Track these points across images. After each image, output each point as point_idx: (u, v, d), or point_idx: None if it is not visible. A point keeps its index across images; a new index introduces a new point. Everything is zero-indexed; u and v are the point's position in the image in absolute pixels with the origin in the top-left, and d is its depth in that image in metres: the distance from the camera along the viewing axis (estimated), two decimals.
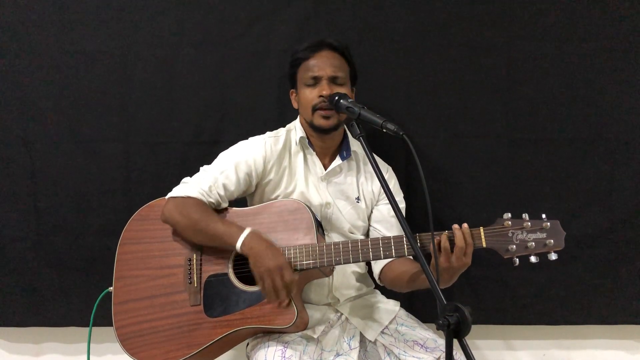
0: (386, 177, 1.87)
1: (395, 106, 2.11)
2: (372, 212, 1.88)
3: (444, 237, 1.49)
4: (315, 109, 1.74)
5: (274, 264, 1.56)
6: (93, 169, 2.14)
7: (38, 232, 2.15)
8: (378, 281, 1.86)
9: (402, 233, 1.78)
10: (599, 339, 2.21)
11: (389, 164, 1.94)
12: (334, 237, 1.81)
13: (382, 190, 1.56)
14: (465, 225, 1.50)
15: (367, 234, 1.89)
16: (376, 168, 1.47)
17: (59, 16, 2.11)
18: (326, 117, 1.73)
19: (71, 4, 2.11)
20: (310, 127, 1.79)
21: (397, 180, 1.94)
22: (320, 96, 1.72)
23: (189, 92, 2.13)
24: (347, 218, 1.81)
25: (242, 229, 1.62)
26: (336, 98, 1.67)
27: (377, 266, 1.83)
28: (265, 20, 2.12)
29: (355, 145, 1.87)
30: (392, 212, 1.79)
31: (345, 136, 1.88)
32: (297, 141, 1.82)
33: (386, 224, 1.85)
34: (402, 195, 1.91)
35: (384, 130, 1.49)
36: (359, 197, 1.84)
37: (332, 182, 1.83)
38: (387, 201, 1.50)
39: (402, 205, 1.88)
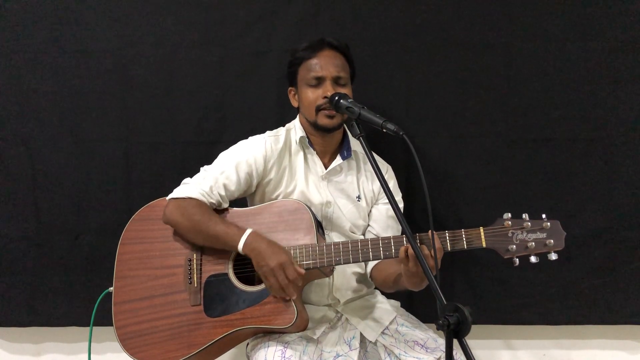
0: (386, 177, 1.87)
1: (395, 106, 2.11)
2: (370, 210, 1.88)
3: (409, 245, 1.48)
4: (319, 109, 1.74)
5: (276, 262, 1.57)
6: (93, 169, 2.14)
7: (38, 232, 2.15)
8: (370, 280, 1.87)
9: (398, 234, 1.79)
10: (599, 339, 2.21)
11: (389, 164, 1.94)
12: (334, 237, 1.80)
13: (382, 190, 1.55)
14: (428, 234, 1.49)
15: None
16: (376, 168, 1.48)
17: (58, 16, 2.11)
18: (330, 117, 1.73)
19: (71, 3, 2.11)
20: (313, 127, 1.79)
21: (397, 181, 1.94)
22: (325, 97, 1.72)
23: (189, 92, 2.13)
24: (348, 217, 1.81)
25: (242, 230, 1.63)
26: (336, 98, 1.67)
27: (368, 267, 1.84)
28: (265, 20, 2.12)
29: (356, 144, 1.87)
30: (390, 213, 1.80)
31: (345, 135, 1.88)
32: (297, 141, 1.82)
33: (382, 223, 1.85)
34: (400, 195, 1.91)
35: (384, 130, 1.49)
36: (359, 196, 1.85)
37: (333, 181, 1.83)
38: (386, 201, 1.50)
39: (400, 205, 1.88)
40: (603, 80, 2.08)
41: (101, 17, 2.12)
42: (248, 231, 1.63)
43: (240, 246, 1.61)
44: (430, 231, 1.45)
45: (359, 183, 1.86)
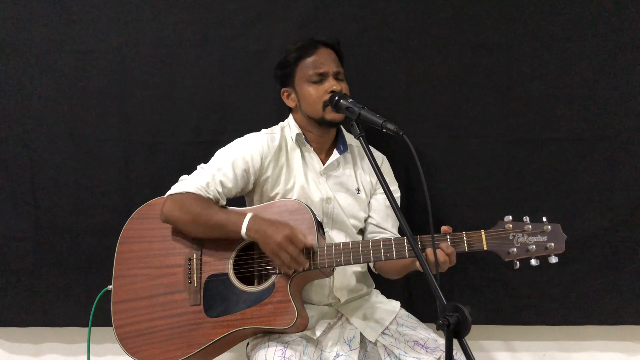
0: (382, 168, 1.89)
1: (395, 106, 2.11)
2: (370, 201, 1.89)
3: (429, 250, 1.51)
4: (326, 104, 1.74)
5: (282, 235, 1.56)
6: (92, 169, 2.14)
7: (38, 232, 2.15)
8: (373, 269, 1.89)
9: (397, 224, 1.81)
10: (599, 339, 2.21)
11: (384, 157, 1.96)
12: (335, 233, 1.81)
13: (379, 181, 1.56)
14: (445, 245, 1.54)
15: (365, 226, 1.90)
16: (375, 166, 1.49)
17: (58, 16, 2.11)
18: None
19: (71, 3, 2.11)
20: (318, 123, 1.79)
21: (397, 180, 1.95)
22: (332, 91, 1.73)
23: (189, 92, 2.13)
24: (348, 210, 1.82)
25: (243, 215, 1.63)
26: (336, 98, 1.68)
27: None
28: (265, 20, 2.12)
29: (350, 138, 1.88)
30: (388, 203, 1.80)
31: (339, 130, 1.88)
32: (293, 138, 1.82)
33: (382, 213, 1.87)
34: (397, 185, 1.93)
35: (384, 130, 1.49)
36: (358, 188, 1.86)
37: (332, 176, 1.83)
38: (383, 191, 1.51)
39: (397, 195, 1.91)
40: (604, 80, 2.08)
41: (101, 17, 2.11)
42: (249, 215, 1.63)
43: (243, 231, 1.61)
44: (431, 231, 1.45)
45: (356, 176, 1.87)
